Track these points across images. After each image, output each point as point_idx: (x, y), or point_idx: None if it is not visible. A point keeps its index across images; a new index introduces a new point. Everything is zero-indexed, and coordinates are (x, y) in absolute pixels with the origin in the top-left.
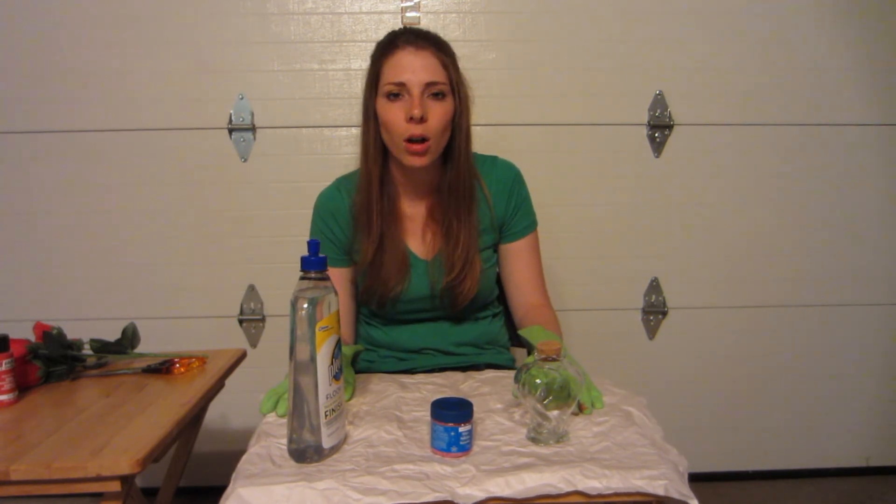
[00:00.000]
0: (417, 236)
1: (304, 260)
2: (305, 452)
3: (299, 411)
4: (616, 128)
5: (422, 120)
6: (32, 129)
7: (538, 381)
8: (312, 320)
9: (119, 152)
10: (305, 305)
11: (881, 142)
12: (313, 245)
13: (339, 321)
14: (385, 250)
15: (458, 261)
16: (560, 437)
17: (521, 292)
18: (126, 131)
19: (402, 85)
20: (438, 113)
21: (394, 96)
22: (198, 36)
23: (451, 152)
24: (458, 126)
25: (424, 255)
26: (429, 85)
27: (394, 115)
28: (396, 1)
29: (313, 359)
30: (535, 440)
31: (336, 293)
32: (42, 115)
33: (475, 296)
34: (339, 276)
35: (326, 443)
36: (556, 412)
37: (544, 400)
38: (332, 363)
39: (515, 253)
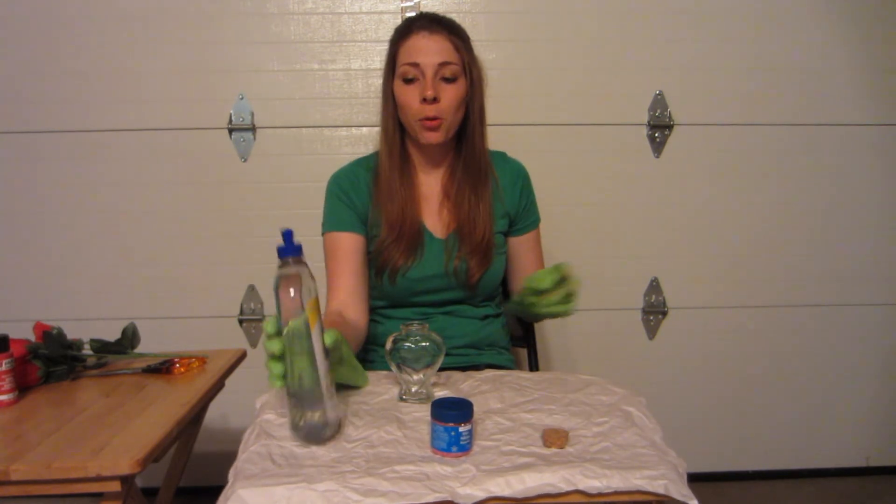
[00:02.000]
0: (433, 214)
1: (280, 249)
2: (313, 429)
3: (298, 392)
4: (616, 128)
5: (434, 100)
6: (33, 129)
7: (407, 345)
8: (301, 302)
9: (119, 152)
10: (292, 290)
11: (881, 142)
12: (287, 234)
13: (318, 307)
14: (403, 225)
15: (477, 233)
16: (426, 398)
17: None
18: (126, 131)
19: (415, 66)
20: (450, 93)
21: (409, 80)
22: (198, 36)
23: (465, 130)
24: (472, 105)
25: (440, 234)
26: (441, 66)
27: (408, 97)
28: (396, 1)
29: (308, 336)
30: (405, 401)
31: (313, 278)
32: (43, 115)
33: (486, 275)
34: (356, 242)
35: (331, 413)
36: (421, 375)
37: (416, 363)
38: (322, 341)
39: (525, 245)
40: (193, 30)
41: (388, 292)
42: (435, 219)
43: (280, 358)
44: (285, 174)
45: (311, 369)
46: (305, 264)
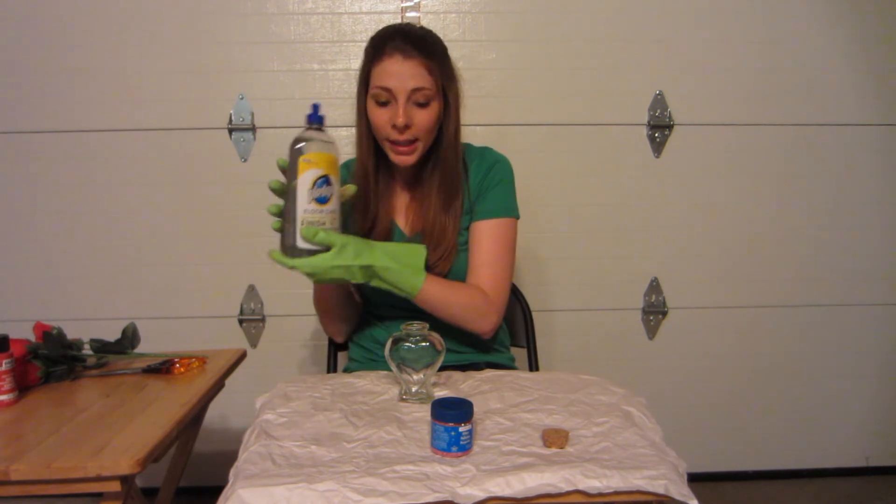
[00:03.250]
0: (402, 213)
1: (308, 116)
2: (287, 249)
3: (288, 216)
4: (616, 128)
5: (405, 128)
6: (32, 129)
7: (407, 345)
8: (299, 153)
9: (119, 152)
10: (298, 145)
11: (881, 142)
12: (315, 106)
13: (329, 163)
14: (375, 226)
15: (443, 243)
16: (426, 398)
17: (469, 275)
18: (126, 131)
19: (387, 90)
20: (423, 118)
21: (382, 103)
22: (198, 36)
23: (437, 149)
24: (446, 127)
25: (407, 232)
26: (414, 91)
27: (380, 119)
28: (396, 1)
29: (295, 179)
30: (406, 401)
31: (332, 141)
32: (42, 115)
33: (450, 275)
34: None
35: (302, 244)
36: (421, 375)
37: (416, 363)
38: (312, 188)
39: (474, 233)
40: (193, 30)
41: (367, 291)
42: (403, 217)
43: (279, 194)
44: None
45: (289, 206)
46: (322, 130)
